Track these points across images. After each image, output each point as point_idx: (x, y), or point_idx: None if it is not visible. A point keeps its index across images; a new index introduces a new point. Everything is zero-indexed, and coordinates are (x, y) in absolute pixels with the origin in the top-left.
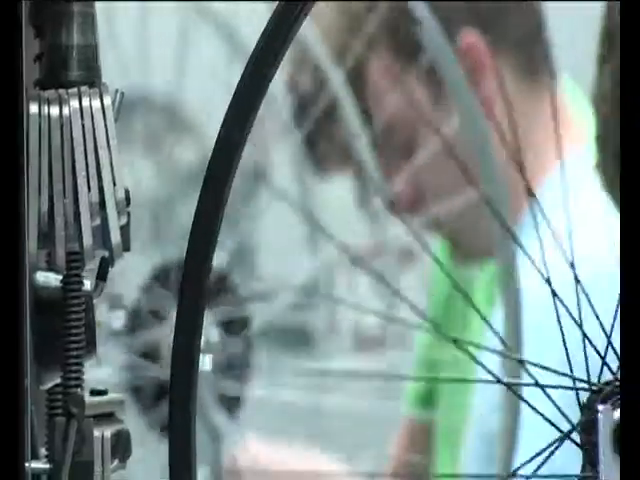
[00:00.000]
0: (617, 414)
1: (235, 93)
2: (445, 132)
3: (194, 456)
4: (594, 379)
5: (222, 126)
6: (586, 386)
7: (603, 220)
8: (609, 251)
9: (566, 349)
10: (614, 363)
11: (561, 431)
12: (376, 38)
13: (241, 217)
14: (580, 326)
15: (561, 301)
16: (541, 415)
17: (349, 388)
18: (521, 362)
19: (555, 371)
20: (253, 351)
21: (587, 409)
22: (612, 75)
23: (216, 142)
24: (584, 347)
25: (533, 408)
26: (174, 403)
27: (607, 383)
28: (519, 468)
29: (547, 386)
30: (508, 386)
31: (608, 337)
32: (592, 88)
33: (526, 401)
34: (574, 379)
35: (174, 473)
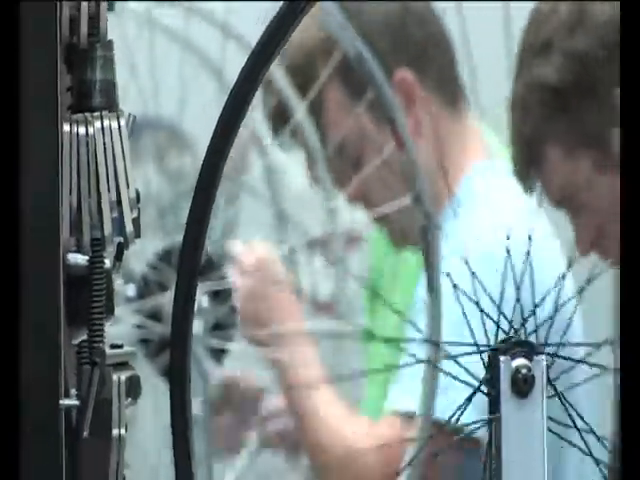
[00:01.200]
0: (515, 363)
1: (222, 113)
2: (385, 150)
3: (189, 394)
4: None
5: (212, 138)
6: (487, 348)
7: (503, 204)
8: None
9: (468, 322)
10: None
11: (473, 385)
12: (331, 77)
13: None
14: (477, 303)
15: (456, 286)
16: (454, 377)
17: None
18: (435, 343)
19: (461, 343)
20: (235, 315)
21: (490, 366)
22: (523, 87)
23: (207, 149)
24: (482, 318)
25: (447, 373)
26: (174, 354)
27: (502, 342)
28: (450, 418)
29: (457, 355)
30: (429, 362)
31: (498, 307)
32: (508, 100)
33: (442, 370)
34: (477, 345)
35: (174, 406)
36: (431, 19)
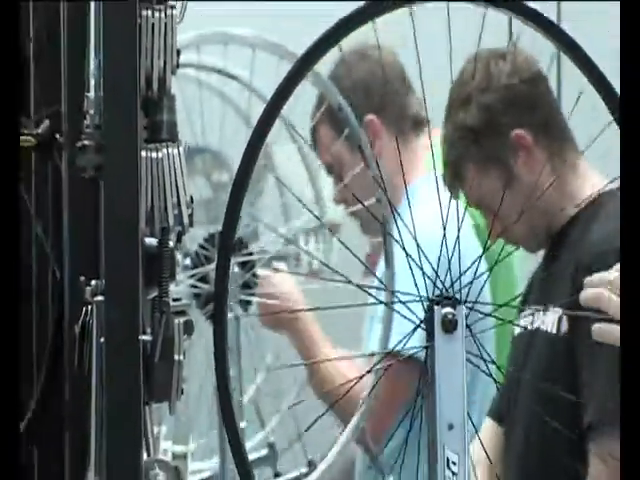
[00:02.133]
0: (444, 310)
1: (249, 142)
2: (357, 168)
3: (226, 332)
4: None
5: (245, 150)
6: (427, 299)
7: (437, 206)
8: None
9: (415, 282)
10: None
11: (415, 322)
12: (323, 118)
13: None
14: (422, 268)
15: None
16: (404, 317)
17: None
18: (392, 292)
19: (409, 294)
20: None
21: (428, 311)
22: (451, 127)
23: (241, 160)
24: (424, 279)
25: (399, 313)
26: (216, 305)
27: (437, 296)
28: (400, 342)
29: (407, 302)
30: (387, 304)
31: (435, 272)
32: (441, 136)
33: (397, 311)
34: (420, 297)
35: (216, 341)
36: (393, 76)
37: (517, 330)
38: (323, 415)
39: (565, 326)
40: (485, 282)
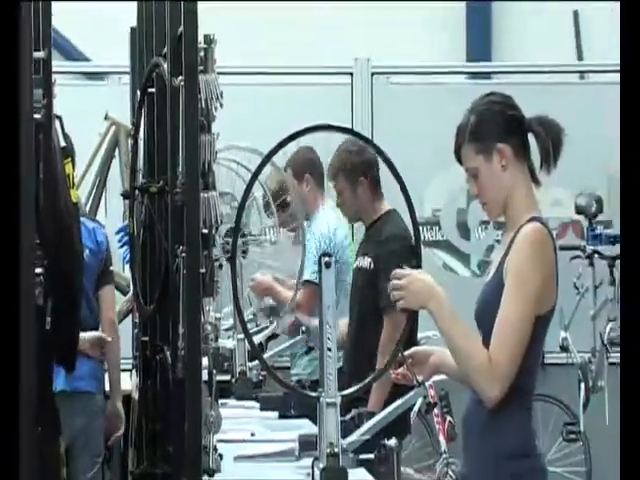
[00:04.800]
0: (325, 258)
1: (245, 189)
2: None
3: (235, 269)
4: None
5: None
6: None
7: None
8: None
9: (314, 256)
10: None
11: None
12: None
13: None
14: (320, 244)
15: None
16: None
17: None
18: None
19: (310, 263)
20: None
21: (319, 259)
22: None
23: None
24: (320, 247)
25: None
26: (231, 263)
27: (323, 254)
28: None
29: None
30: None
31: (326, 245)
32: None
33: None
34: (319, 262)
35: (232, 276)
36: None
37: (355, 265)
38: None
39: (373, 265)
40: (346, 248)
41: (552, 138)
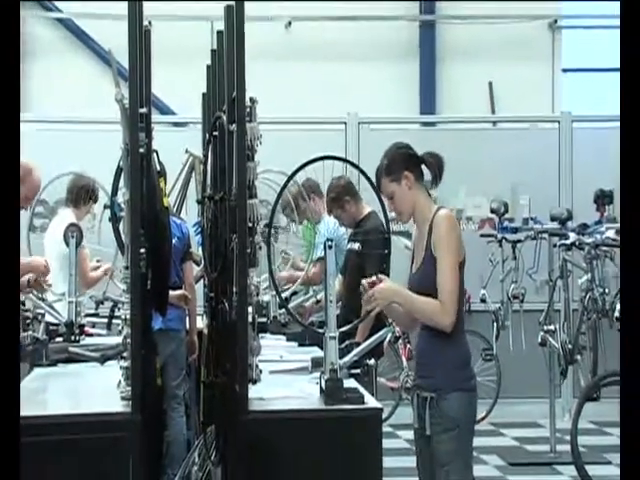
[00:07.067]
0: (328, 243)
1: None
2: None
3: (270, 249)
4: None
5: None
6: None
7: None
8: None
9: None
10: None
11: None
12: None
13: None
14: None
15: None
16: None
17: None
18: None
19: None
20: None
21: (324, 243)
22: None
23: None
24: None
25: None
26: (268, 244)
27: (327, 239)
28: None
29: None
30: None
31: (329, 239)
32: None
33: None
34: (325, 246)
35: (268, 254)
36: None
37: (348, 247)
38: None
39: (360, 248)
40: (342, 239)
41: (438, 166)
